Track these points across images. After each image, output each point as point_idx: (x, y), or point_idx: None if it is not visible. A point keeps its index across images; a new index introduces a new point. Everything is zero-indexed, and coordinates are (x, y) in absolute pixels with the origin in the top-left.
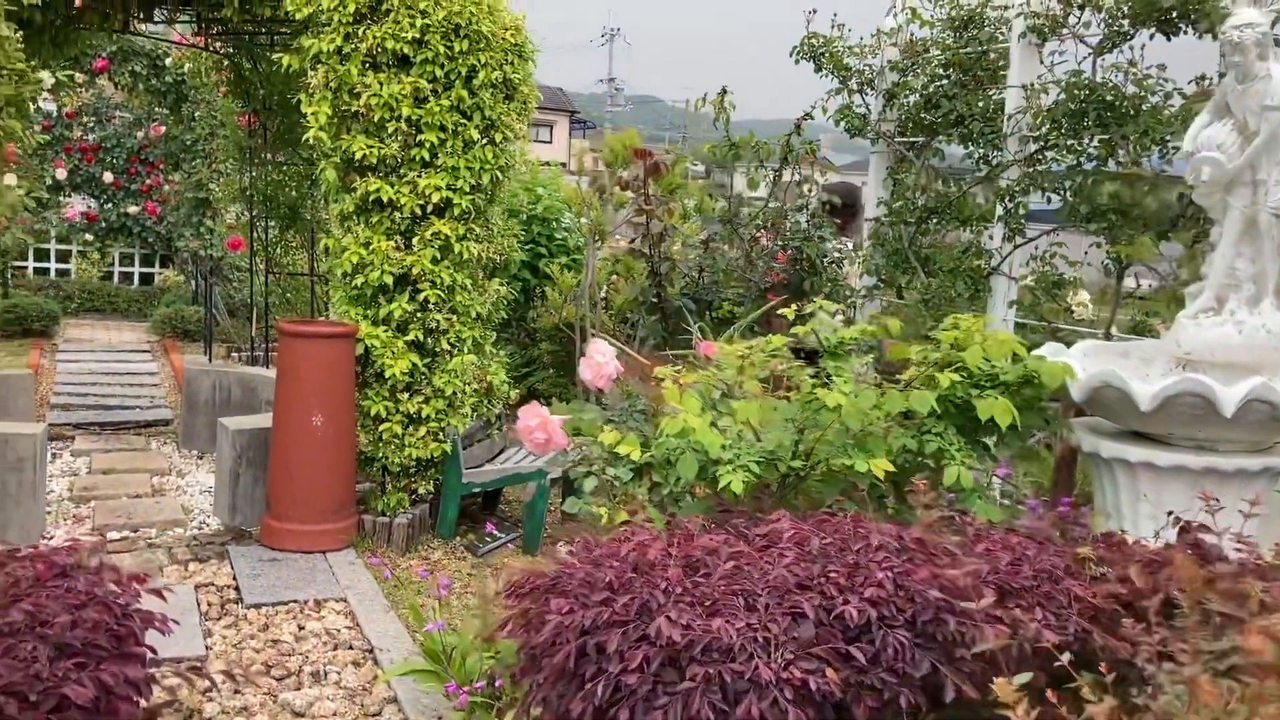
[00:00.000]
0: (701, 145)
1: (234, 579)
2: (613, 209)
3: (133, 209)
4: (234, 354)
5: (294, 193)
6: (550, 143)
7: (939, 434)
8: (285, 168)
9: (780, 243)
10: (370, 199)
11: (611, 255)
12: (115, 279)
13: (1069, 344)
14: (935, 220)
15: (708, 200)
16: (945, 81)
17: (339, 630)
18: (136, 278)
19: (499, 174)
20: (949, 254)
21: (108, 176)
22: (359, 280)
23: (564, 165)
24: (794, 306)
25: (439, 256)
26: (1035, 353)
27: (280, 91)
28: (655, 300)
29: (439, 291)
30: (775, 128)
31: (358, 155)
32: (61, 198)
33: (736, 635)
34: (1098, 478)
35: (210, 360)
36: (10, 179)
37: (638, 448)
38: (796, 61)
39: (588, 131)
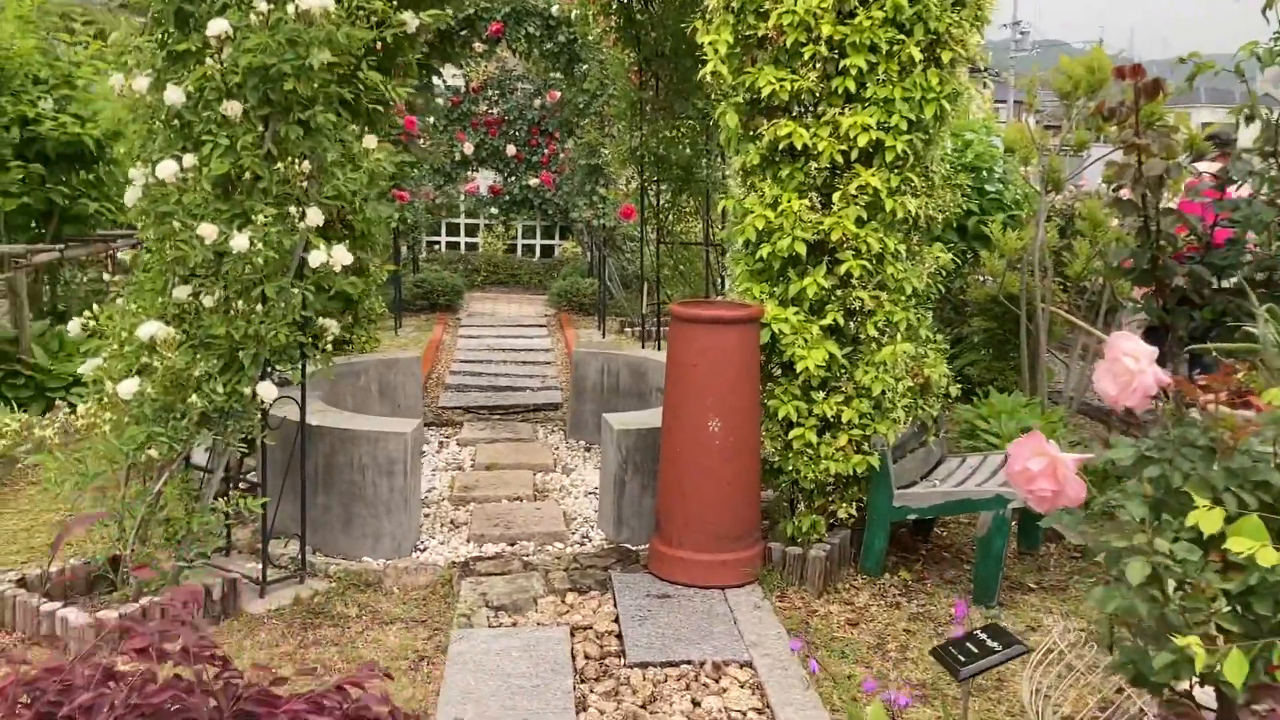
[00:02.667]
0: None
1: (616, 620)
2: (1071, 151)
3: (533, 181)
4: (626, 328)
5: (688, 150)
6: None
7: None
8: (678, 123)
9: None
10: (779, 147)
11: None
12: (519, 252)
13: None
14: None
15: (1198, 134)
16: None
17: (744, 714)
18: (538, 250)
19: (944, 105)
20: None
21: (510, 149)
22: (764, 250)
23: None
24: None
25: (865, 217)
26: None
27: (673, 32)
28: (1148, 267)
29: (864, 262)
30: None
31: (764, 92)
32: (469, 172)
33: None
34: None
35: (604, 334)
36: (370, 141)
37: (1267, 541)
38: None
39: (988, 80)
